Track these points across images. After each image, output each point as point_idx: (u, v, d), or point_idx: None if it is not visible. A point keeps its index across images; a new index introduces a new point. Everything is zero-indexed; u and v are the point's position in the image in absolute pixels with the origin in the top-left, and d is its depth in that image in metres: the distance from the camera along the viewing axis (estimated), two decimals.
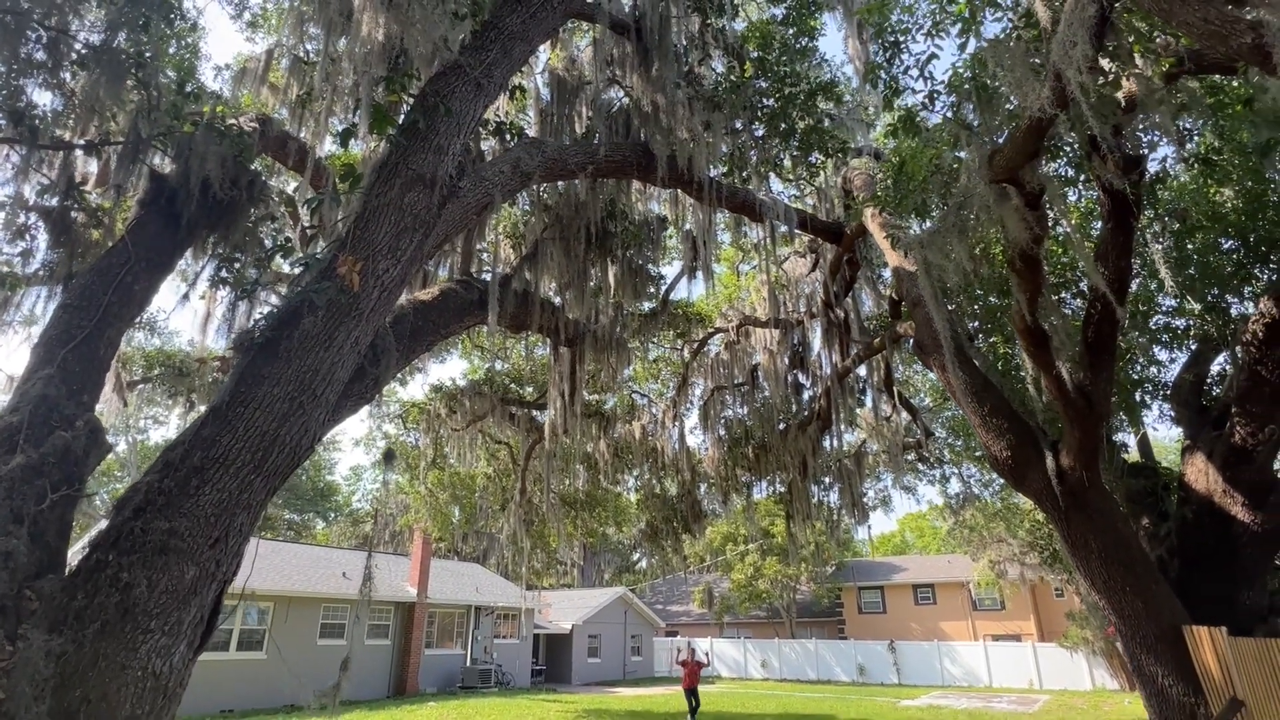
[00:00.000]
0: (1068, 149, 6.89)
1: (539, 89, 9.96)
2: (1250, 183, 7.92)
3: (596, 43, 7.85)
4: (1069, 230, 6.46)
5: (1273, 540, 7.91)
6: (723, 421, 16.00)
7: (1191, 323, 9.52)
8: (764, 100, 8.00)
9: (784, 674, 33.63)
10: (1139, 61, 4.58)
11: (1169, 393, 9.81)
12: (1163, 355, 10.31)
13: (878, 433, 15.64)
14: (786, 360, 14.49)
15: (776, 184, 13.79)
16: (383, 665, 22.44)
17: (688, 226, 11.76)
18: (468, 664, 25.18)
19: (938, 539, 50.08)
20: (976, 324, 10.69)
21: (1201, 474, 8.30)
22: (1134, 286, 9.33)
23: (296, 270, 4.96)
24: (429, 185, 4.97)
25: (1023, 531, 21.00)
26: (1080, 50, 3.29)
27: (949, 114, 5.39)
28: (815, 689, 28.23)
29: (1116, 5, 3.98)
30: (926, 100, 5.47)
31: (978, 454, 15.15)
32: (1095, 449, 7.37)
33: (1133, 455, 11.10)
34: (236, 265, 6.14)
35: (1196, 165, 7.73)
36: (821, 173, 11.51)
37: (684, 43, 8.13)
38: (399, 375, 15.72)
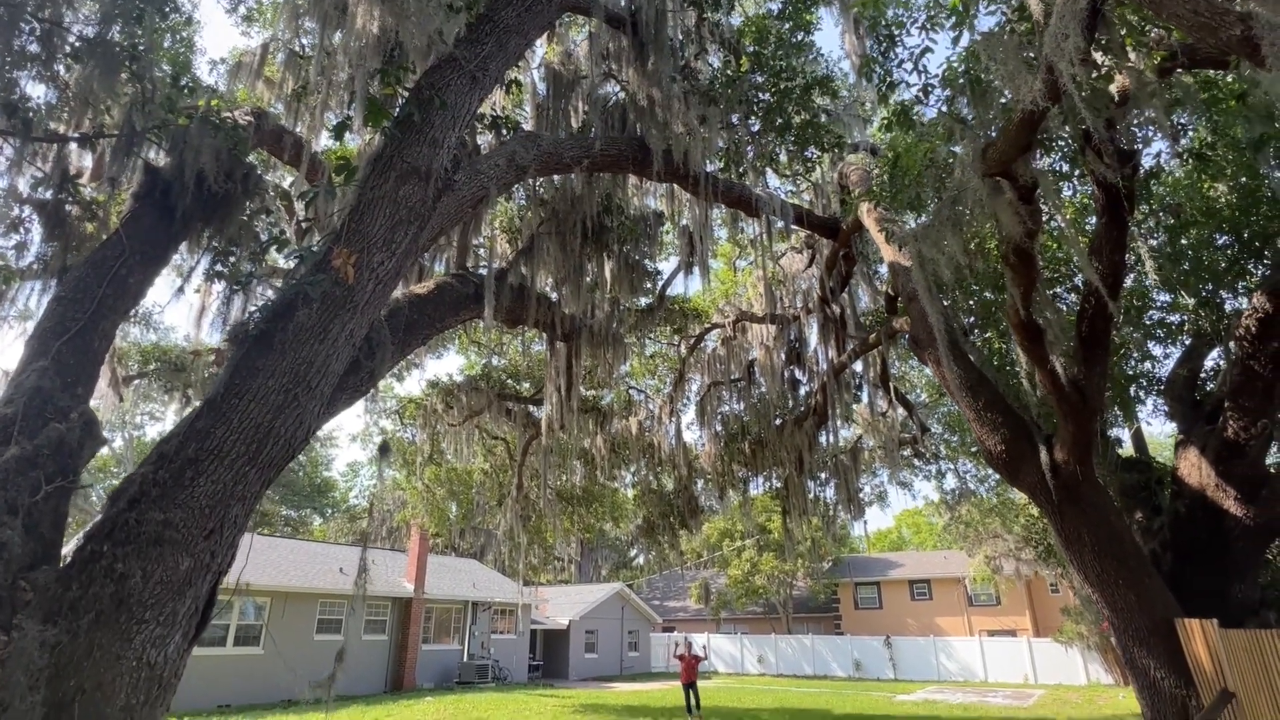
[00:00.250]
0: (1061, 143, 6.91)
1: (535, 83, 9.95)
2: (1244, 178, 7.94)
3: (592, 36, 7.85)
4: (1063, 225, 6.48)
5: (1264, 534, 7.96)
6: (719, 417, 16.02)
7: (1186, 318, 9.56)
8: (760, 95, 8.00)
9: (780, 669, 33.74)
10: (1132, 56, 4.59)
11: (1163, 388, 9.86)
12: (1157, 350, 10.37)
13: (874, 428, 15.68)
14: (783, 356, 14.52)
15: (773, 179, 13.79)
16: (380, 661, 22.47)
17: (684, 222, 11.77)
18: (465, 659, 25.21)
19: (934, 535, 50.23)
20: (972, 319, 10.71)
21: (1194, 468, 8.34)
22: (1129, 282, 9.37)
23: (291, 263, 4.96)
24: (424, 178, 4.97)
25: (1018, 527, 21.07)
26: (1072, 43, 3.30)
27: (943, 108, 5.41)
28: (811, 684, 28.32)
29: None
30: (921, 94, 5.48)
31: (973, 449, 15.20)
32: (1089, 443, 7.41)
33: (1127, 450, 11.15)
34: (231, 259, 6.13)
35: (1190, 160, 7.75)
36: (818, 168, 11.52)
37: (680, 37, 8.12)
38: (395, 371, 15.72)
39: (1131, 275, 9.38)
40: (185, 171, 5.41)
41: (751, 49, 7.99)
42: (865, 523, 34.63)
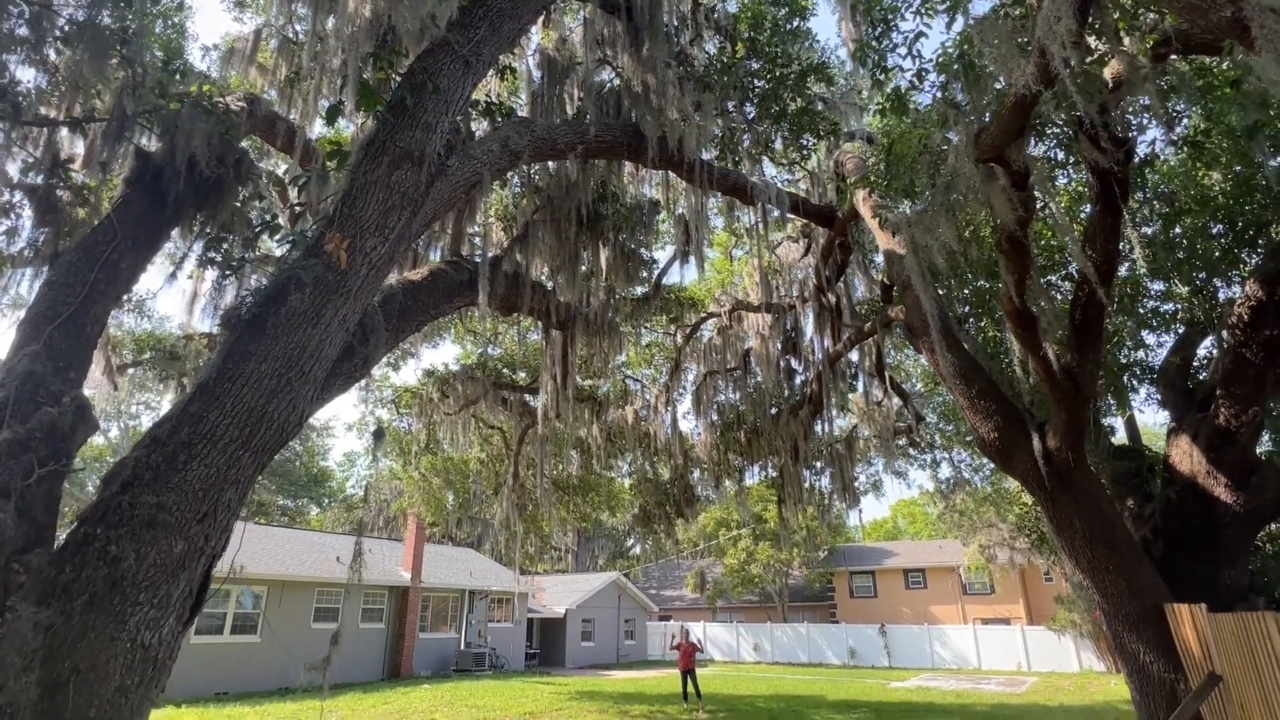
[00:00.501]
0: (1056, 131, 6.90)
1: (530, 70, 9.90)
2: (1239, 166, 7.95)
3: (587, 22, 7.81)
4: (1057, 213, 6.48)
5: (1254, 520, 8.02)
6: (715, 406, 16.05)
7: (1179, 307, 9.59)
8: (755, 81, 7.97)
9: (776, 657, 33.97)
10: (1126, 41, 4.58)
11: (1156, 376, 9.90)
12: (1151, 339, 10.38)
13: (869, 417, 15.72)
14: (779, 345, 14.53)
15: (769, 169, 13.76)
16: (377, 648, 22.58)
17: (680, 210, 11.75)
18: (462, 647, 25.35)
19: (929, 524, 50.49)
20: (967, 309, 10.73)
21: (1186, 456, 8.38)
22: (1123, 270, 9.38)
23: (284, 249, 4.95)
24: (417, 163, 4.96)
25: (1012, 516, 21.18)
26: (1064, 25, 3.29)
27: (938, 94, 5.39)
28: (807, 672, 28.53)
29: None
30: (915, 79, 5.46)
31: (968, 439, 15.26)
32: (1081, 431, 7.44)
33: (1121, 438, 11.20)
34: (224, 245, 6.11)
35: (1185, 148, 7.75)
36: (814, 155, 11.50)
37: (675, 22, 8.09)
38: (391, 360, 15.72)
39: (1126, 264, 9.40)
40: (177, 156, 5.38)
41: (747, 35, 7.96)
42: (860, 512, 34.91)
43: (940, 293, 9.72)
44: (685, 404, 16.84)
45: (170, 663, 3.74)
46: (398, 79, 5.77)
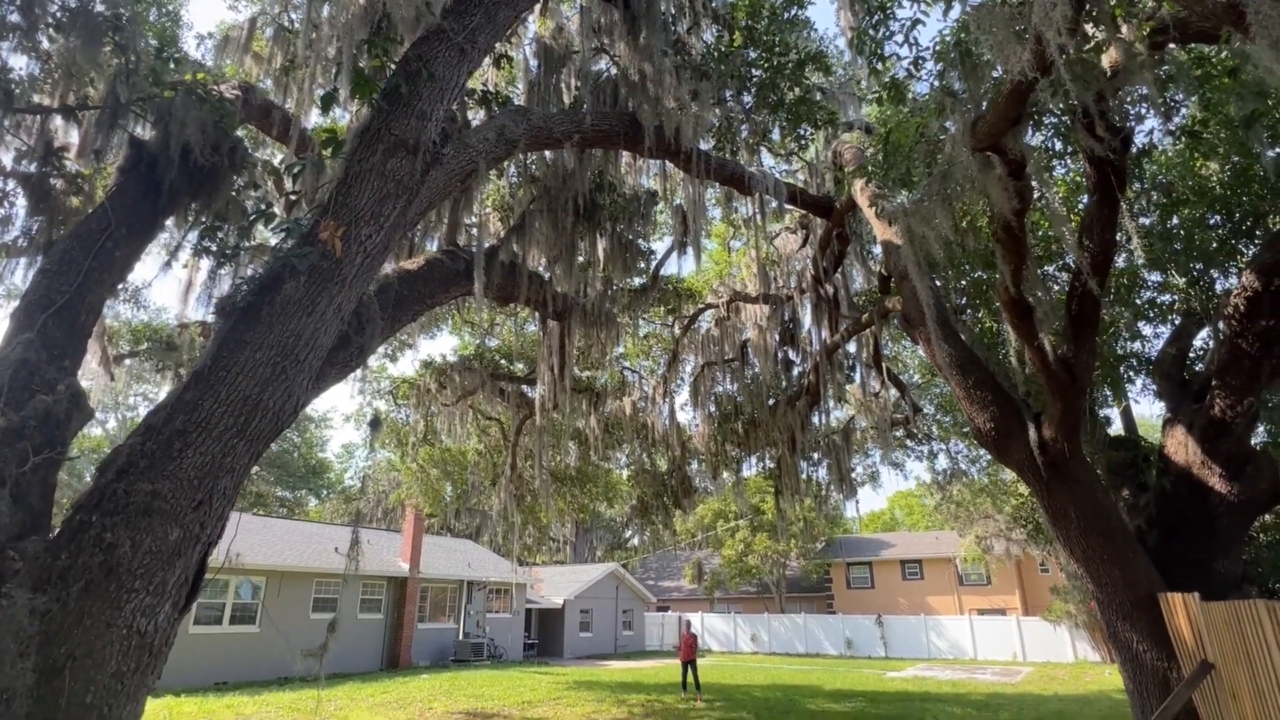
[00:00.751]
0: (1053, 120, 6.89)
1: (527, 59, 9.85)
2: (1236, 157, 7.94)
3: (583, 10, 7.77)
4: (1054, 202, 6.48)
5: (1248, 510, 8.05)
6: (713, 397, 16.06)
7: (1176, 298, 9.60)
8: (753, 71, 7.94)
9: (773, 648, 34.15)
10: (1124, 29, 4.57)
11: (1152, 367, 9.92)
12: (1147, 330, 10.40)
13: (866, 408, 15.74)
14: (776, 336, 14.53)
15: (768, 159, 13.72)
16: (376, 639, 22.66)
17: (678, 201, 11.72)
18: (460, 638, 25.45)
19: (926, 516, 50.67)
20: (964, 300, 10.74)
21: (1181, 446, 8.41)
22: (1120, 261, 9.38)
23: (278, 238, 4.93)
24: (412, 151, 4.94)
25: (1009, 507, 21.26)
26: (1060, 11, 3.28)
27: (935, 82, 5.37)
28: (804, 662, 28.69)
29: None
30: (912, 67, 5.44)
31: (965, 430, 15.29)
32: (1077, 421, 7.46)
33: (1117, 429, 11.24)
34: (220, 234, 6.09)
35: (1183, 138, 7.74)
36: (811, 145, 11.47)
37: (672, 11, 8.04)
38: (389, 351, 15.70)
39: (1123, 255, 9.40)
40: (171, 145, 5.36)
41: (745, 23, 7.92)
42: (857, 503, 34.99)
43: (937, 284, 9.72)
44: (683, 395, 16.83)
45: (166, 649, 3.75)
46: (393, 67, 5.74)
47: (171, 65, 6.49)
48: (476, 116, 8.51)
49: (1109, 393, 10.58)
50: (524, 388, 15.12)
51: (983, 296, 9.98)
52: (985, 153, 4.87)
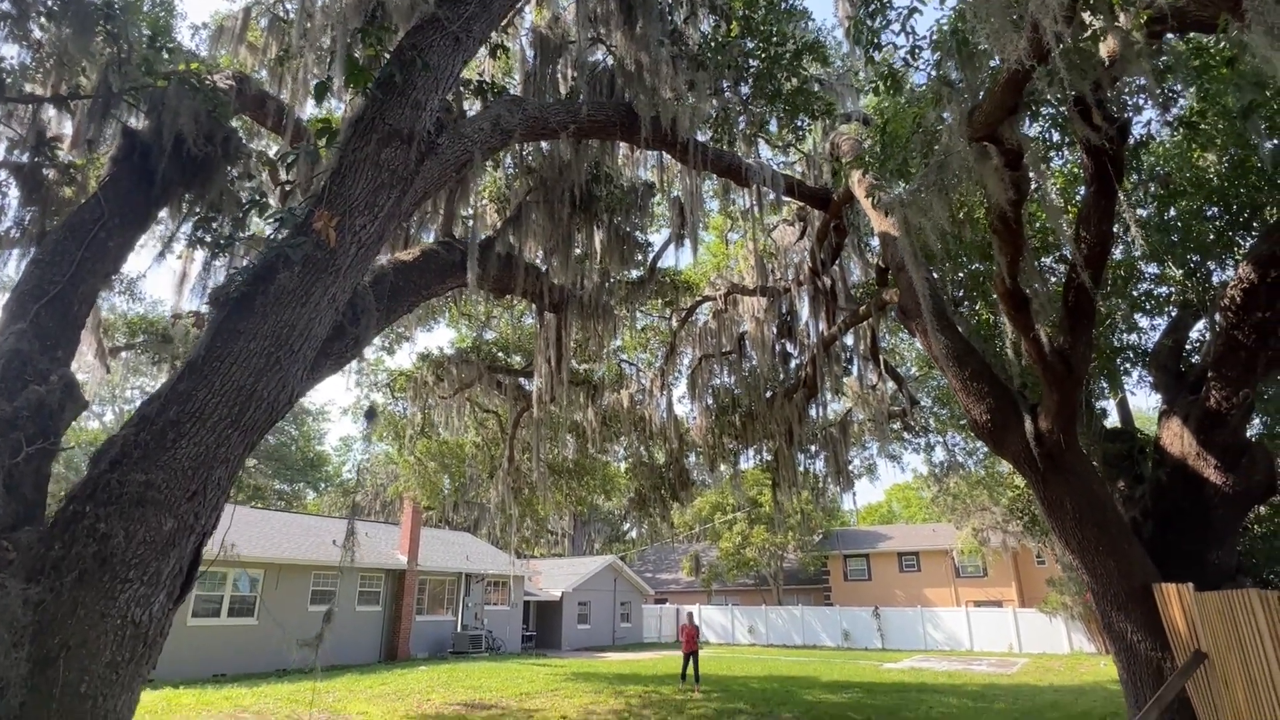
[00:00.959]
0: (1050, 111, 6.86)
1: (524, 49, 9.80)
2: (1234, 148, 7.92)
3: None
4: (1052, 193, 6.46)
5: (1243, 502, 8.08)
6: (710, 390, 16.06)
7: (1173, 290, 9.60)
8: (750, 61, 7.90)
9: (770, 639, 34.29)
10: (1122, 18, 4.54)
11: (1148, 359, 9.93)
12: (1144, 322, 10.41)
13: (864, 401, 15.76)
14: (774, 329, 14.52)
15: (766, 151, 13.68)
16: (374, 631, 22.72)
17: (675, 193, 11.69)
18: (459, 630, 25.52)
19: (923, 508, 50.82)
20: (961, 293, 10.74)
21: (1177, 438, 8.43)
22: (1117, 253, 9.38)
23: (272, 227, 4.91)
24: (406, 141, 4.91)
25: (1005, 500, 21.32)
26: None
27: (932, 72, 5.35)
28: (801, 653, 28.81)
29: None
30: (909, 56, 5.42)
31: (962, 422, 15.31)
32: (1073, 412, 7.47)
33: (1113, 421, 11.25)
34: (214, 225, 6.06)
35: (1180, 129, 7.72)
36: (809, 137, 11.43)
37: (669, 0, 7.99)
38: (386, 343, 15.68)
39: (1120, 246, 9.39)
40: (164, 134, 5.32)
41: (742, 13, 7.87)
42: (854, 495, 35.02)
43: (934, 275, 9.71)
44: (681, 388, 16.87)
45: (161, 639, 3.75)
46: (387, 56, 5.71)
47: (165, 55, 6.44)
48: (473, 108, 8.47)
49: (1105, 384, 10.59)
50: (521, 380, 15.12)
51: (980, 288, 9.98)
52: (982, 143, 4.85)
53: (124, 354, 13.50)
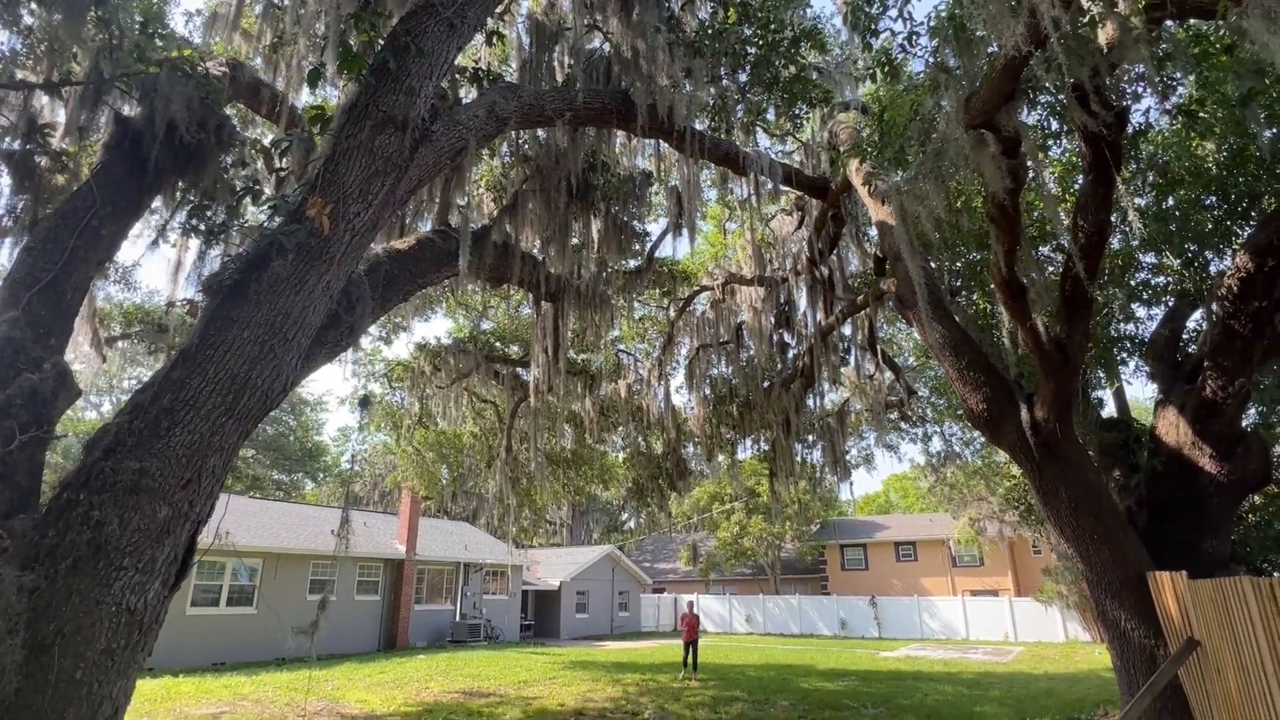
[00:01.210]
0: (1048, 99, 6.83)
1: (520, 37, 9.73)
2: (1233, 137, 7.90)
3: None
4: (1049, 183, 6.44)
5: (1237, 491, 8.11)
6: (708, 380, 16.07)
7: (1170, 279, 9.59)
8: (748, 48, 7.84)
9: (768, 628, 34.48)
10: (1120, 4, 4.51)
11: (1145, 349, 9.94)
12: (1141, 312, 10.41)
13: (861, 391, 15.76)
14: (772, 318, 14.51)
15: (764, 140, 13.62)
16: (373, 620, 22.81)
17: (673, 182, 11.64)
18: (457, 619, 25.63)
19: (920, 498, 51.00)
20: (959, 282, 10.73)
21: (1172, 427, 8.45)
22: (1115, 243, 9.36)
23: (266, 214, 4.88)
24: (400, 127, 4.88)
25: (1002, 489, 21.39)
26: None
27: (930, 59, 5.32)
28: (798, 642, 28.98)
29: None
30: (906, 42, 5.39)
31: (959, 412, 15.33)
32: (1069, 402, 7.48)
33: (1110, 411, 11.28)
34: (208, 213, 6.03)
35: (1179, 117, 7.69)
36: (807, 125, 11.38)
37: None
38: (383, 333, 15.65)
39: (1118, 236, 9.38)
40: (156, 121, 5.29)
41: (739, 0, 7.82)
42: (851, 485, 35.20)
43: (932, 265, 9.70)
44: (678, 378, 16.84)
45: (157, 627, 3.75)
46: (382, 43, 5.66)
47: (158, 42, 6.38)
48: (469, 96, 8.41)
49: (1102, 374, 10.61)
50: (519, 370, 15.11)
51: (977, 278, 9.97)
52: (979, 130, 4.83)
53: (120, 344, 13.48)
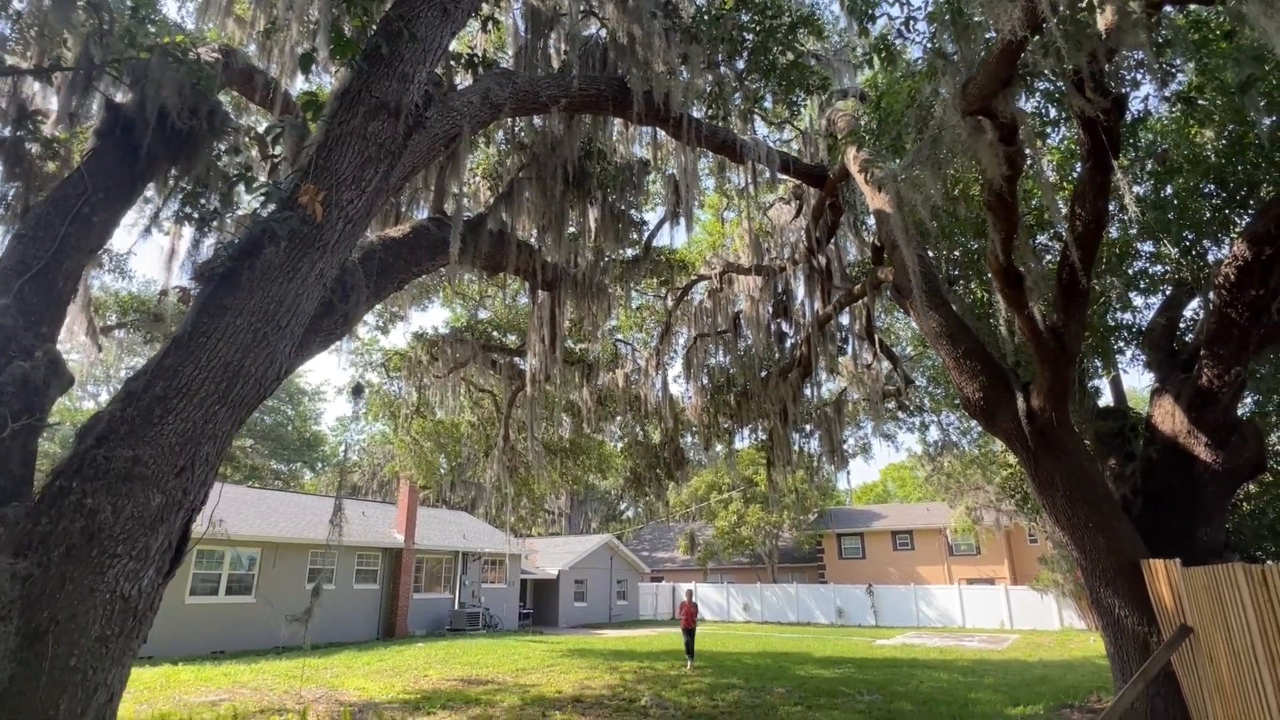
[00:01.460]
0: (1047, 86, 6.79)
1: (516, 24, 9.64)
2: (1232, 125, 7.86)
3: None
4: (1046, 170, 6.41)
5: (1232, 479, 8.13)
6: (706, 369, 16.08)
7: (1168, 268, 9.58)
8: (745, 35, 7.78)
9: (765, 617, 34.67)
10: None
11: (1142, 337, 9.94)
12: (1138, 301, 10.41)
13: (858, 380, 15.78)
14: (769, 308, 14.50)
15: (761, 128, 13.55)
16: (372, 609, 22.90)
17: (670, 171, 11.58)
18: (456, 608, 25.74)
19: (918, 488, 51.18)
20: (956, 272, 10.71)
21: (1168, 415, 8.46)
22: (1113, 231, 9.34)
23: (259, 201, 4.85)
24: (393, 114, 4.84)
25: (998, 479, 21.47)
26: None
27: (927, 44, 5.28)
28: (795, 630, 29.15)
29: None
30: (903, 27, 5.35)
31: (956, 402, 15.35)
32: (1065, 390, 7.49)
33: (1106, 400, 11.30)
34: (201, 201, 5.99)
35: (1178, 105, 7.65)
36: (804, 112, 11.31)
37: None
38: (380, 323, 15.61)
39: (1115, 224, 9.35)
40: (147, 107, 5.23)
41: None
42: (849, 474, 35.41)
43: (930, 254, 9.68)
44: (676, 367, 16.82)
45: (151, 614, 3.76)
46: (375, 28, 5.60)
47: (150, 27, 6.32)
48: (464, 82, 8.34)
49: (1099, 363, 10.61)
50: (516, 359, 15.09)
51: (974, 266, 9.95)
52: (976, 117, 4.80)
53: (117, 333, 13.45)
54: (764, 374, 14.72)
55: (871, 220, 12.00)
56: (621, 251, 12.52)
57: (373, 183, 4.75)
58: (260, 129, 9.87)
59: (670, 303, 15.69)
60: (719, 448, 17.73)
